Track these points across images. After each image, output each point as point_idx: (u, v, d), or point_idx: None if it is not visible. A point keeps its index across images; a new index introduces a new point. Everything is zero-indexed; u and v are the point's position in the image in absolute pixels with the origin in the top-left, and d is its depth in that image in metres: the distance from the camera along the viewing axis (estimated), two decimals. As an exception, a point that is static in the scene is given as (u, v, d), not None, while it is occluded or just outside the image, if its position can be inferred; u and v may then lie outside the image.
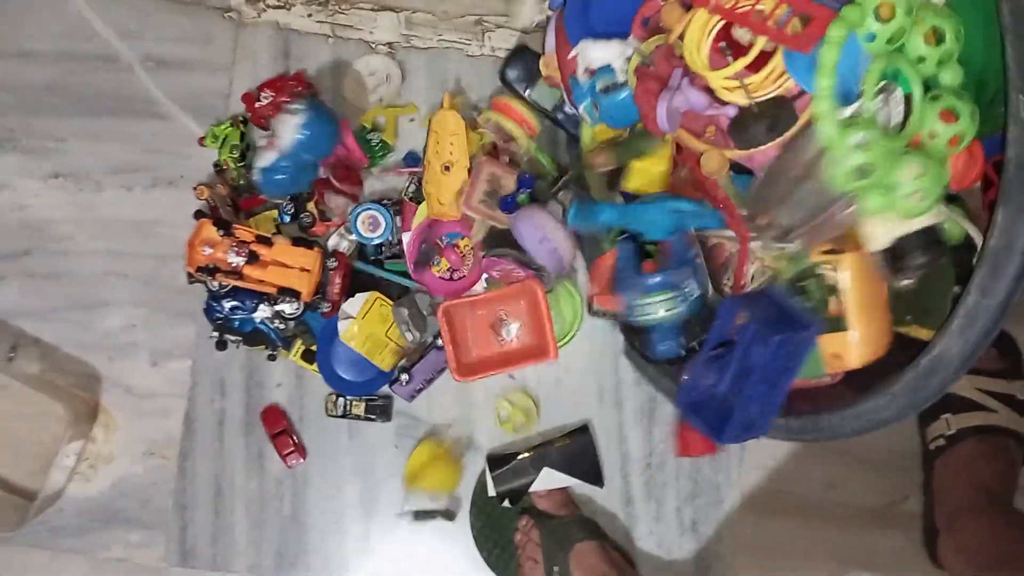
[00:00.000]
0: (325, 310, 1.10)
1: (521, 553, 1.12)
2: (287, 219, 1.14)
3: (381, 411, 1.16)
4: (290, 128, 1.06)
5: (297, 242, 1.09)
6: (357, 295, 1.11)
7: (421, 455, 1.16)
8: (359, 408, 1.16)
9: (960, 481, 1.09)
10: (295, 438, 1.17)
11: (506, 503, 1.12)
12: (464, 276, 1.12)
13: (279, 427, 1.17)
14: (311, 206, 1.13)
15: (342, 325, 1.09)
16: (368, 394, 1.15)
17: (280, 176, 1.08)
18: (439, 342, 1.11)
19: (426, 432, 1.17)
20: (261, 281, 1.08)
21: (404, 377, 1.14)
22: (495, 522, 1.13)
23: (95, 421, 1.20)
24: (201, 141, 1.16)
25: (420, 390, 1.15)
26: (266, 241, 1.08)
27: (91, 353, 1.21)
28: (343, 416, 1.16)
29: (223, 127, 1.16)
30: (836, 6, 0.70)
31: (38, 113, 1.23)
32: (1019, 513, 1.07)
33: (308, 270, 1.08)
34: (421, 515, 1.16)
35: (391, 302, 1.10)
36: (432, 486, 1.15)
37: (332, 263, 1.10)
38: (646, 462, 1.17)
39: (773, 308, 0.84)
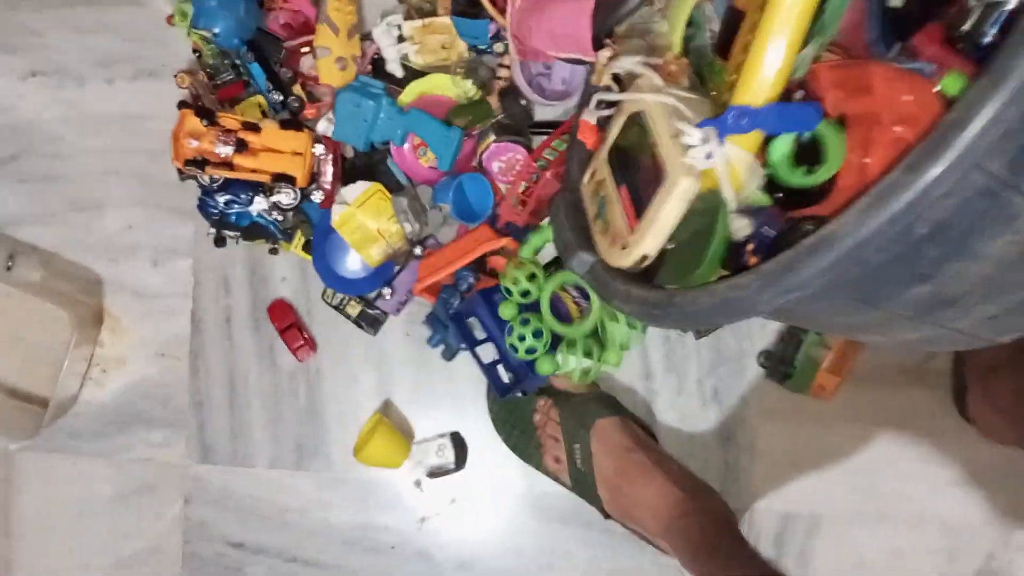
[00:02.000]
0: (319, 199, 1.03)
1: (541, 433, 1.07)
2: (278, 107, 1.05)
3: (372, 322, 1.10)
4: None
5: (285, 125, 1.00)
6: (359, 182, 1.03)
7: (368, 428, 1.10)
8: (354, 310, 1.10)
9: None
10: (304, 332, 1.12)
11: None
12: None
13: (287, 321, 1.11)
14: (297, 88, 1.04)
15: (335, 210, 1.01)
16: (358, 294, 1.09)
17: (211, 4, 0.99)
18: (417, 251, 1.05)
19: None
20: (253, 170, 1.01)
21: (387, 291, 1.07)
22: (513, 404, 1.08)
23: (101, 325, 1.15)
24: (169, 20, 1.06)
25: (405, 302, 1.09)
26: (253, 127, 1.00)
27: (91, 257, 1.15)
28: (337, 309, 1.10)
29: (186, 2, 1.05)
30: None
31: (13, 8, 1.14)
32: None
33: (300, 153, 1.01)
34: (435, 473, 1.11)
35: (390, 197, 1.02)
36: (377, 461, 1.09)
37: (319, 149, 1.02)
38: (665, 335, 1.10)
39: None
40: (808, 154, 0.66)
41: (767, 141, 0.67)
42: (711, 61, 0.77)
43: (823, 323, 0.72)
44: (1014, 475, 1.06)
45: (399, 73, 1.05)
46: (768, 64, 0.65)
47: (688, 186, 0.67)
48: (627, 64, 0.80)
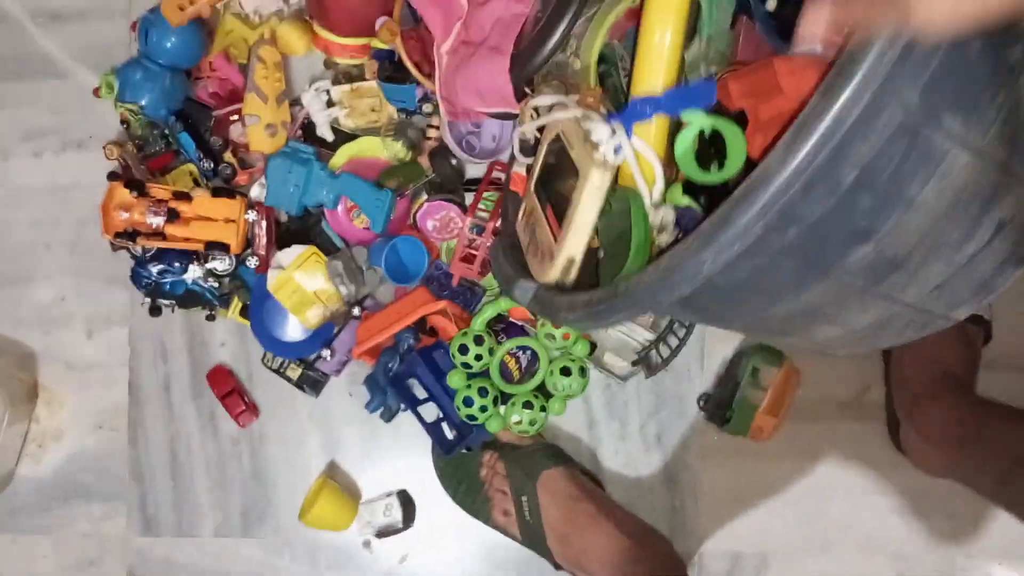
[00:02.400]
0: (254, 265, 1.02)
1: (488, 487, 1.07)
2: (210, 175, 1.04)
3: (313, 384, 1.09)
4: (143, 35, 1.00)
5: (217, 192, 1.00)
6: (293, 246, 1.02)
7: (314, 490, 1.09)
8: (295, 373, 1.08)
9: (920, 367, 1.05)
10: (246, 396, 1.11)
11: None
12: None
13: (227, 387, 1.10)
14: (229, 155, 1.04)
15: (271, 275, 1.00)
16: (298, 357, 1.08)
17: (136, 77, 1.00)
18: (355, 312, 1.04)
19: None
20: (186, 239, 1.00)
21: (326, 353, 1.06)
22: (459, 460, 1.08)
23: (36, 399, 1.12)
24: (96, 92, 1.05)
25: (345, 363, 1.09)
26: (184, 196, 0.99)
27: (23, 330, 1.13)
28: (277, 372, 1.09)
29: (112, 75, 1.04)
30: None
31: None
32: (979, 396, 1.03)
33: (233, 220, 1.00)
34: (383, 532, 1.10)
35: (324, 258, 1.01)
36: (325, 523, 1.08)
37: (252, 215, 1.01)
38: (606, 382, 1.11)
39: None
40: (719, 153, 0.69)
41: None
42: (626, 95, 0.80)
43: (778, 314, 0.69)
44: (952, 501, 1.08)
45: (329, 137, 1.05)
46: (656, 49, 0.70)
47: (599, 179, 0.69)
48: (543, 100, 0.82)
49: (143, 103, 1.00)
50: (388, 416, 1.05)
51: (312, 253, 1.01)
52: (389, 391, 1.02)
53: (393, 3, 0.99)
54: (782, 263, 0.62)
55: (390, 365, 1.02)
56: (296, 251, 1.01)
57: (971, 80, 0.58)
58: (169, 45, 1.00)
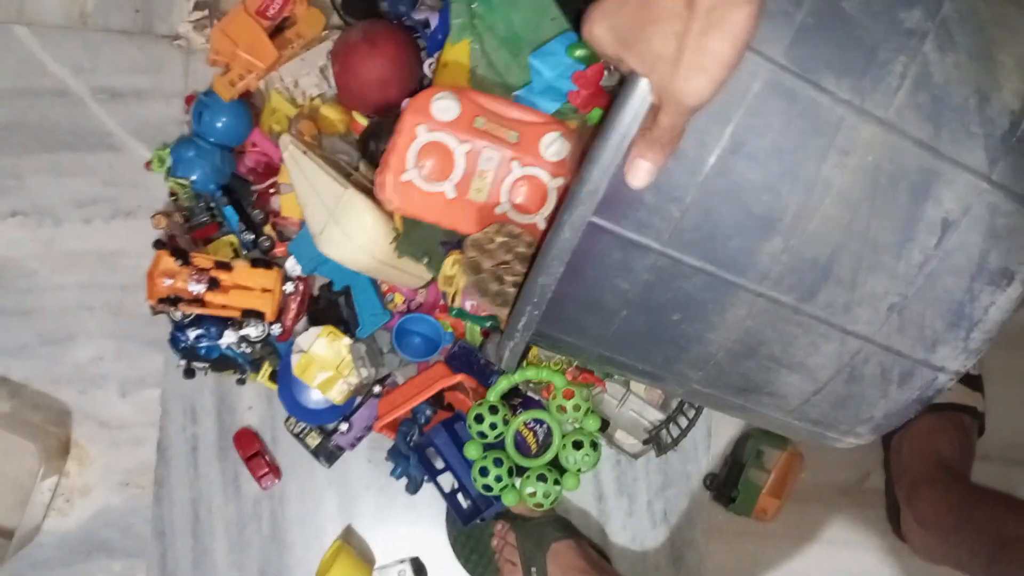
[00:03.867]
0: (277, 332, 1.06)
1: (499, 557, 1.08)
2: (250, 246, 1.08)
3: (329, 455, 1.11)
4: (196, 116, 1.06)
5: (256, 263, 1.04)
6: (311, 329, 1.05)
7: (330, 555, 1.10)
8: (313, 441, 1.10)
9: (917, 455, 1.07)
10: (269, 459, 1.12)
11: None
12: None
13: (252, 450, 1.12)
14: (268, 228, 1.08)
15: (294, 359, 1.04)
16: (319, 424, 1.10)
17: (189, 154, 1.04)
18: (376, 389, 1.07)
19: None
20: (224, 306, 1.03)
21: (343, 426, 1.09)
22: (471, 529, 1.09)
23: (68, 455, 1.14)
24: (148, 165, 1.10)
25: (360, 438, 1.11)
26: (225, 266, 1.03)
27: (61, 387, 1.15)
28: (297, 438, 1.11)
29: (168, 149, 1.09)
30: None
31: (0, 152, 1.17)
32: (974, 483, 1.05)
33: (270, 290, 1.03)
34: None
35: (343, 335, 1.04)
36: None
37: (290, 288, 1.05)
38: (616, 459, 1.13)
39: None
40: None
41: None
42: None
43: (720, 351, 0.63)
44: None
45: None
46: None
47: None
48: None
49: (194, 178, 1.04)
50: (414, 488, 1.07)
51: (329, 332, 1.04)
52: (412, 459, 1.04)
53: (408, 81, 1.04)
54: (682, 265, 0.59)
55: (410, 435, 1.04)
56: (314, 333, 1.05)
57: (853, 40, 0.54)
58: (220, 125, 1.05)
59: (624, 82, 0.52)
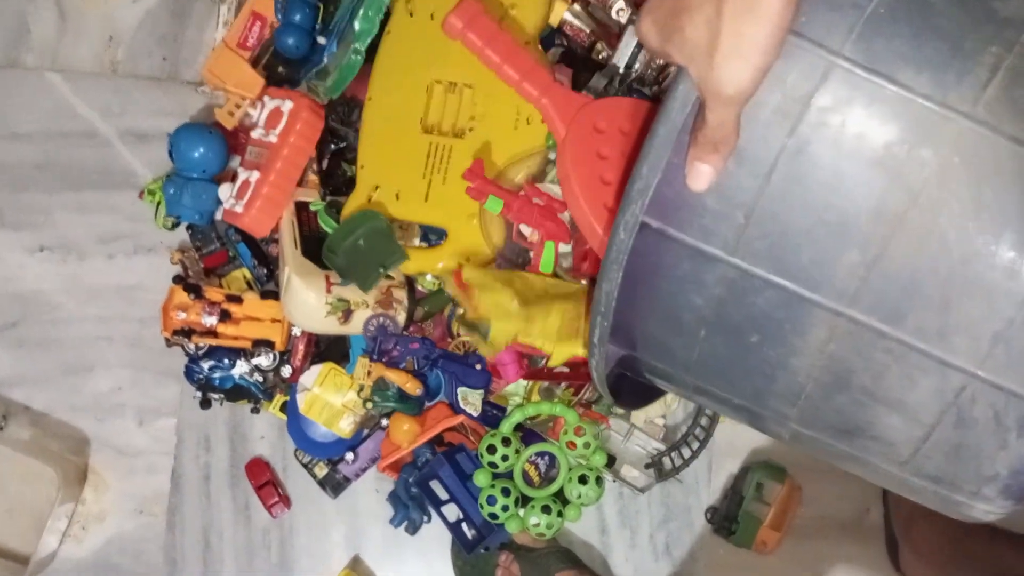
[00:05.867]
0: (287, 374, 1.06)
1: (503, 587, 1.06)
2: (263, 280, 1.09)
3: (335, 486, 1.10)
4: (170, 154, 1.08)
5: (265, 295, 1.04)
6: (313, 367, 1.06)
7: None
8: (321, 471, 1.10)
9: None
10: (279, 488, 1.12)
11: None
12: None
13: (263, 479, 1.11)
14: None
15: (300, 398, 1.04)
16: (326, 456, 1.09)
17: (170, 191, 1.06)
18: (384, 422, 1.06)
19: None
20: (236, 337, 1.04)
21: (349, 456, 1.08)
22: (476, 559, 1.07)
23: (85, 483, 1.14)
24: (141, 195, 1.13)
25: (365, 469, 1.10)
26: (236, 299, 1.03)
27: (80, 416, 1.16)
28: (306, 468, 1.10)
29: (158, 183, 1.11)
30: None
31: (26, 189, 1.19)
32: None
33: (279, 320, 1.04)
34: None
35: (343, 370, 1.04)
36: None
37: (297, 330, 1.05)
38: (619, 491, 1.11)
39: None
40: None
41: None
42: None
43: (807, 380, 0.56)
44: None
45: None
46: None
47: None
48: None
49: (179, 214, 1.07)
50: (413, 529, 1.06)
51: (331, 368, 1.04)
52: (411, 505, 1.04)
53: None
54: (753, 278, 0.53)
55: (411, 480, 1.04)
56: (316, 371, 1.05)
57: (933, 30, 0.49)
58: (197, 155, 1.06)
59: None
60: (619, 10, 1.00)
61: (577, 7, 1.01)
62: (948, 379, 0.50)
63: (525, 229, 0.96)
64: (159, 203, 1.11)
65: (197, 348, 1.05)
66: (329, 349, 1.09)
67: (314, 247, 1.01)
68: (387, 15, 1.02)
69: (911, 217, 0.48)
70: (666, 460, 1.04)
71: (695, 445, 1.04)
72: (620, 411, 1.06)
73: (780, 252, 0.52)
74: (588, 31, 1.01)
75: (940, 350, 0.50)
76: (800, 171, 0.50)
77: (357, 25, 1.01)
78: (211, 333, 1.03)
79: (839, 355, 0.53)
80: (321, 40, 1.08)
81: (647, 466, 1.04)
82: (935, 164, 0.48)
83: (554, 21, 1.01)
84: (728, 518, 1.07)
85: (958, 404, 0.51)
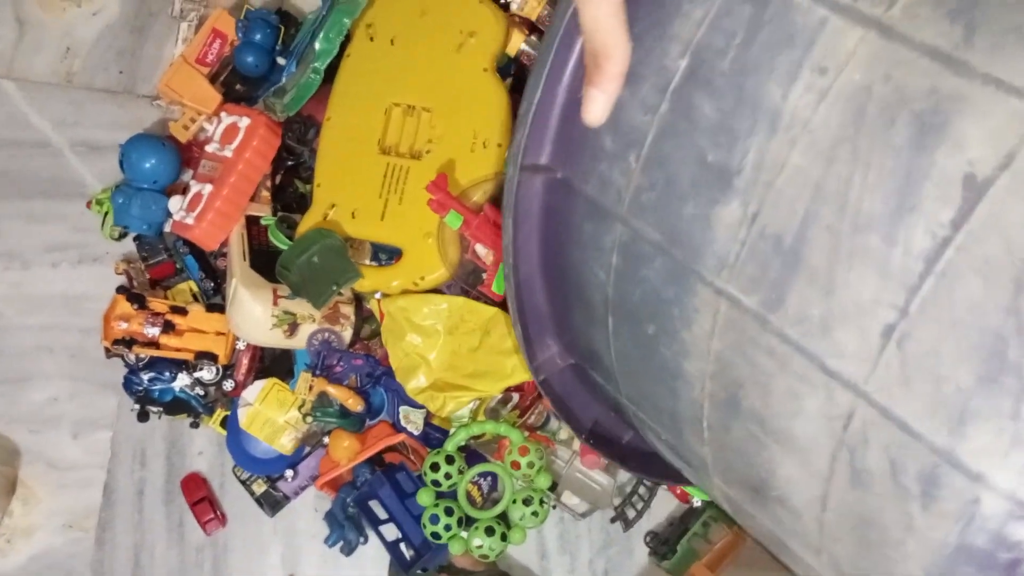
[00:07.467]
0: (229, 388, 1.03)
1: (439, 611, 1.03)
2: (210, 293, 1.07)
3: (273, 504, 1.07)
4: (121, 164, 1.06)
5: (211, 308, 1.02)
6: (256, 382, 1.03)
7: None
8: (259, 488, 1.06)
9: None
10: (216, 506, 1.08)
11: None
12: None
13: (199, 495, 1.07)
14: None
15: (241, 413, 1.01)
16: (265, 474, 1.06)
17: (119, 201, 1.04)
18: (325, 439, 1.03)
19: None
20: (178, 349, 1.01)
21: (289, 473, 1.05)
22: (413, 582, 1.04)
23: (13, 495, 1.09)
24: (88, 205, 1.10)
25: (304, 487, 1.07)
26: (180, 310, 1.01)
27: (13, 427, 1.11)
28: (244, 485, 1.07)
29: (106, 193, 1.09)
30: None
31: (-26, 198, 1.16)
32: None
33: (223, 333, 1.01)
34: None
35: (287, 386, 1.02)
36: None
37: (242, 344, 1.03)
38: (560, 516, 1.09)
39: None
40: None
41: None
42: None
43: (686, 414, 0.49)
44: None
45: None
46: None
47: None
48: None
49: (127, 224, 1.05)
50: (348, 550, 1.03)
51: (274, 384, 1.02)
52: (347, 525, 1.01)
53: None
54: (642, 241, 0.45)
55: (348, 500, 1.01)
56: (259, 386, 1.02)
57: None
58: (148, 166, 1.04)
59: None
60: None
61: (534, 38, 1.02)
62: (834, 399, 0.37)
63: (480, 249, 0.95)
64: (107, 213, 1.08)
65: (138, 359, 1.01)
66: (274, 364, 1.06)
67: (263, 261, 0.99)
68: (348, 38, 1.02)
69: (797, 157, 0.36)
70: (629, 511, 1.03)
71: (644, 492, 1.04)
72: (564, 437, 1.05)
73: (666, 205, 0.43)
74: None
75: (823, 350, 0.37)
76: (689, 101, 0.40)
77: (318, 45, 1.00)
78: (153, 344, 1.00)
79: (725, 357, 0.43)
80: (281, 61, 1.08)
81: (612, 520, 1.04)
82: (833, 86, 0.36)
83: (511, 51, 1.02)
84: (667, 543, 1.05)
85: (848, 444, 0.36)
